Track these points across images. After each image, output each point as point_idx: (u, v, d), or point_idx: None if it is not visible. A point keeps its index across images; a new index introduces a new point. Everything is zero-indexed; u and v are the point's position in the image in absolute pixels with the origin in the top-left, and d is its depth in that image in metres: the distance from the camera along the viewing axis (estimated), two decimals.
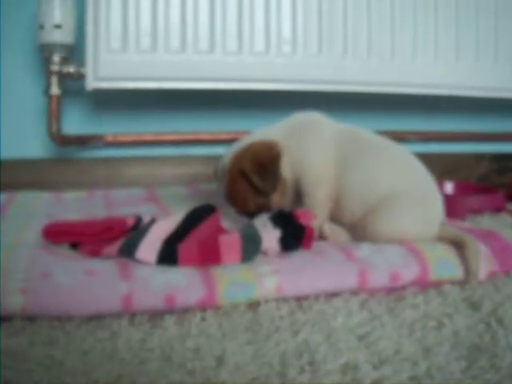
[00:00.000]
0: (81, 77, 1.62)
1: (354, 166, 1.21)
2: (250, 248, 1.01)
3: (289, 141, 1.24)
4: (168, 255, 0.98)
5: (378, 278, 1.01)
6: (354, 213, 1.19)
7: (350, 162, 1.22)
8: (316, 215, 1.13)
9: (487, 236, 1.18)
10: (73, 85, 1.69)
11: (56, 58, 1.62)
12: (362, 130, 1.29)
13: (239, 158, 1.22)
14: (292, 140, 1.25)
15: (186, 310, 0.90)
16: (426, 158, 1.25)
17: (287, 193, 1.24)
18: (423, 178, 1.23)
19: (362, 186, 1.19)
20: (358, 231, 1.18)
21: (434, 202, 1.20)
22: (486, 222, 1.50)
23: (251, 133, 1.31)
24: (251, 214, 1.19)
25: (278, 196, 1.22)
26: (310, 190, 1.22)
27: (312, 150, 1.24)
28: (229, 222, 1.21)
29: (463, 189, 1.79)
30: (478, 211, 1.58)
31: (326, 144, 1.24)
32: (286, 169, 1.22)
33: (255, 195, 1.20)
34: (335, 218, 1.23)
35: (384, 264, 1.03)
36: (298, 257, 1.04)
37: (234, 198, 1.23)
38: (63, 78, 1.65)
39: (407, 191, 1.17)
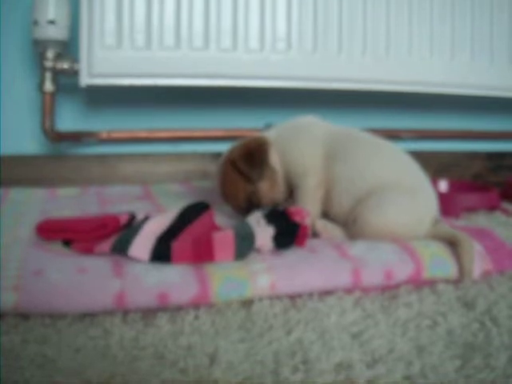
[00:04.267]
0: (75, 73, 1.61)
1: (343, 159, 1.24)
2: (244, 245, 1.01)
3: (280, 138, 1.30)
4: (161, 252, 0.97)
5: (372, 276, 1.01)
6: (342, 205, 1.21)
7: (339, 155, 1.24)
8: (309, 211, 1.13)
9: (481, 234, 1.18)
10: (67, 81, 1.69)
11: (50, 53, 1.61)
12: (355, 130, 1.32)
13: (231, 151, 1.28)
14: (282, 137, 1.30)
15: (179, 308, 0.90)
16: (421, 156, 1.26)
17: (277, 185, 1.27)
18: (414, 172, 1.24)
19: (351, 177, 1.21)
20: (349, 225, 1.18)
21: (425, 195, 1.20)
22: (481, 220, 1.50)
23: None
24: (244, 209, 1.22)
25: (267, 186, 1.26)
26: (299, 180, 1.26)
27: (300, 144, 1.28)
28: (223, 219, 1.21)
29: (458, 187, 1.78)
30: (472, 209, 1.58)
31: (313, 139, 1.28)
32: (275, 161, 1.27)
33: (245, 184, 1.24)
34: (327, 213, 1.24)
35: (378, 262, 1.03)
36: (292, 254, 1.04)
37: (225, 189, 1.27)
38: (57, 74, 1.65)
39: (397, 183, 1.18)
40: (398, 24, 1.79)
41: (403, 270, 1.03)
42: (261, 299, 0.94)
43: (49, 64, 1.62)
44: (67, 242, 1.04)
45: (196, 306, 0.91)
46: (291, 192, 1.28)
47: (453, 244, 1.10)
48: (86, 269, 0.93)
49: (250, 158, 1.23)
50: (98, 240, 1.03)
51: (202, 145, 1.88)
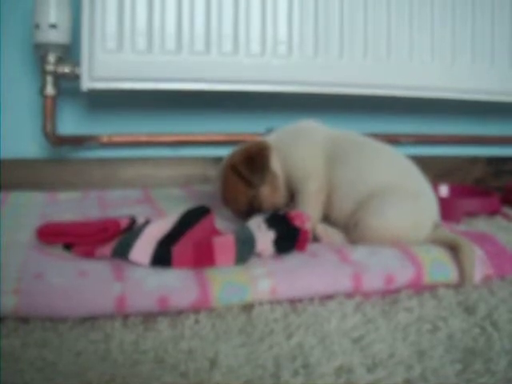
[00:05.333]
0: (76, 77, 1.62)
1: (344, 163, 1.24)
2: (244, 250, 1.01)
3: (280, 142, 1.30)
4: (162, 257, 0.97)
5: (373, 281, 1.01)
6: (342, 209, 1.21)
7: (340, 159, 1.24)
8: (309, 216, 1.13)
9: (482, 239, 1.17)
10: (68, 85, 1.69)
11: (51, 57, 1.61)
12: (355, 134, 1.32)
13: (232, 155, 1.28)
14: (283, 141, 1.30)
15: (179, 312, 0.90)
16: (422, 161, 1.25)
17: (278, 189, 1.27)
18: (415, 177, 1.24)
19: (351, 181, 1.21)
20: (350, 230, 1.18)
21: (426, 199, 1.20)
22: (481, 225, 1.50)
23: None
24: (245, 214, 1.22)
25: (268, 190, 1.25)
26: (300, 184, 1.25)
27: (300, 148, 1.28)
28: (223, 223, 1.20)
29: (458, 192, 1.78)
30: (473, 214, 1.58)
31: (314, 143, 1.28)
32: (276, 166, 1.27)
33: (246, 188, 1.24)
34: (327, 218, 1.24)
35: (379, 267, 1.03)
36: (293, 259, 1.04)
37: (226, 194, 1.27)
38: (58, 77, 1.65)
39: (398, 187, 1.18)
40: (399, 28, 1.79)
41: (404, 275, 1.03)
42: (261, 304, 0.93)
43: (50, 68, 1.62)
44: (68, 246, 1.04)
45: (196, 310, 0.90)
46: (292, 196, 1.28)
47: (453, 249, 1.10)
48: (86, 272, 0.93)
49: (251, 163, 1.23)
50: (98, 244, 1.02)
51: (202, 149, 1.89)
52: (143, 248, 0.98)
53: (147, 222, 1.07)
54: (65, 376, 0.70)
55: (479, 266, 1.08)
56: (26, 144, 1.77)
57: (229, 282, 0.93)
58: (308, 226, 1.09)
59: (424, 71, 1.82)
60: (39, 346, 0.78)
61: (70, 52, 1.65)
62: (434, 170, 1.72)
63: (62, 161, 1.79)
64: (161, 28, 1.62)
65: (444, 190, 1.78)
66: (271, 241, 1.04)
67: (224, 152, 1.33)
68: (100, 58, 1.58)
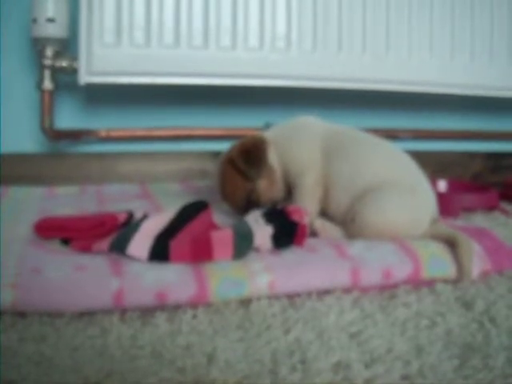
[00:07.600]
0: (74, 71, 1.61)
1: (341, 158, 1.24)
2: (243, 244, 1.00)
3: (279, 137, 1.30)
4: (160, 251, 0.97)
5: (371, 276, 1.00)
6: (340, 203, 1.21)
7: (337, 154, 1.25)
8: (307, 211, 1.13)
9: (480, 235, 1.17)
10: (66, 79, 1.69)
11: (49, 52, 1.61)
12: (353, 129, 1.32)
13: (229, 150, 1.28)
14: (281, 136, 1.31)
15: (177, 307, 0.90)
16: (420, 156, 1.25)
17: (276, 183, 1.28)
18: (413, 171, 1.24)
19: (349, 175, 1.21)
20: (348, 224, 1.18)
21: (424, 194, 1.20)
22: (479, 220, 1.50)
23: None
24: (243, 208, 1.22)
25: (266, 184, 1.26)
26: (298, 178, 1.26)
27: (298, 143, 1.28)
28: (221, 218, 1.20)
29: (457, 187, 1.78)
30: (471, 209, 1.58)
31: (312, 138, 1.29)
32: (274, 160, 1.27)
33: (243, 182, 1.24)
34: (325, 212, 1.24)
35: (377, 261, 1.03)
36: (291, 254, 1.03)
37: (224, 188, 1.28)
38: (56, 72, 1.65)
39: (395, 182, 1.18)
40: (398, 23, 1.79)
41: (402, 270, 1.03)
42: (259, 298, 0.93)
43: (48, 62, 1.62)
44: (65, 241, 1.04)
45: (194, 305, 0.90)
46: (290, 191, 1.28)
47: (451, 244, 1.10)
48: (84, 267, 0.93)
49: (248, 156, 1.23)
50: (96, 238, 1.02)
51: (201, 143, 1.88)
52: (141, 243, 0.98)
53: (145, 217, 1.07)
54: (62, 371, 0.70)
55: (477, 262, 1.08)
56: (24, 139, 1.77)
57: (227, 277, 0.93)
58: (306, 220, 1.09)
59: (423, 66, 1.82)
60: (36, 341, 0.78)
61: (67, 46, 1.64)
62: (432, 165, 1.72)
63: (59, 155, 1.79)
64: (159, 22, 1.61)
65: (442, 185, 1.79)
66: (269, 235, 1.04)
67: (222, 147, 1.33)
68: (98, 52, 1.57)
